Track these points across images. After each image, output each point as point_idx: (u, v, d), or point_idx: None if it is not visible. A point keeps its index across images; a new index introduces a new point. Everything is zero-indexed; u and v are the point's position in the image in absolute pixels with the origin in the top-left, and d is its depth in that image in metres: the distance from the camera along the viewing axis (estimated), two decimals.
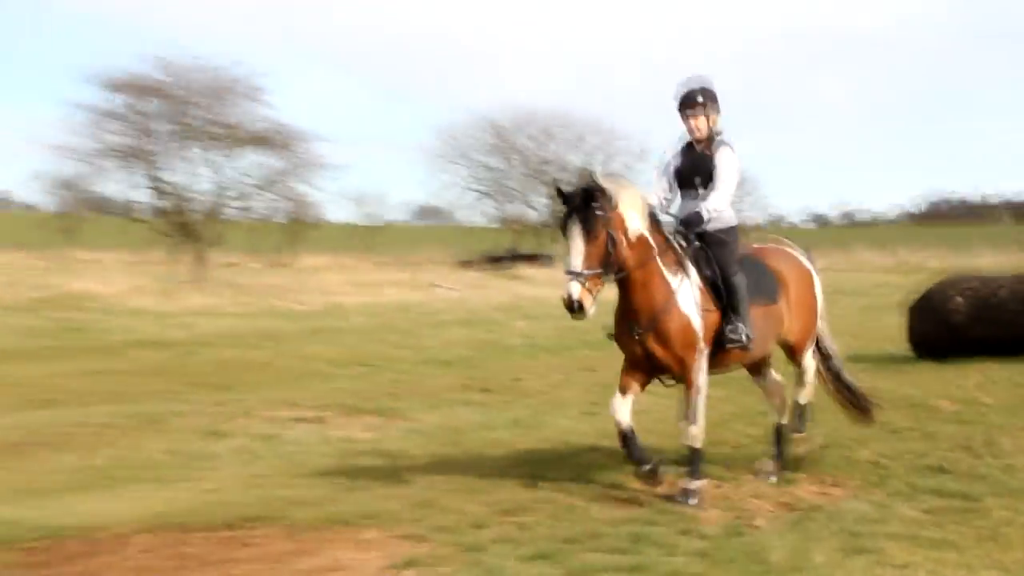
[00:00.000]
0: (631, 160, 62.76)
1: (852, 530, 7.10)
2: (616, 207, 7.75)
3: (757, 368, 9.11)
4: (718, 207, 8.29)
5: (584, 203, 7.65)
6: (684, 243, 8.24)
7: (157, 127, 48.55)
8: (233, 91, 48.61)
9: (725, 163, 8.36)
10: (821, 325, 9.28)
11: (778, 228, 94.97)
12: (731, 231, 8.46)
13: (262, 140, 49.24)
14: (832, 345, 9.43)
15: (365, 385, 16.12)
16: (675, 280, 8.00)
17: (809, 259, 9.16)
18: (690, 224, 8.23)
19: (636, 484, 8.53)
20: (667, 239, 8.13)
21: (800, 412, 9.13)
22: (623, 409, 8.09)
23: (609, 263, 7.70)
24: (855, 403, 9.49)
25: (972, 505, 7.63)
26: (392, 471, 9.57)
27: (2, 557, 7.22)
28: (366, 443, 11.45)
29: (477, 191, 72.92)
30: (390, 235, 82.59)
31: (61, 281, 37.86)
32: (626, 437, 8.07)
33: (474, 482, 8.82)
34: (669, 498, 7.98)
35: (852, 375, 9.58)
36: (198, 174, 49.70)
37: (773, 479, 8.59)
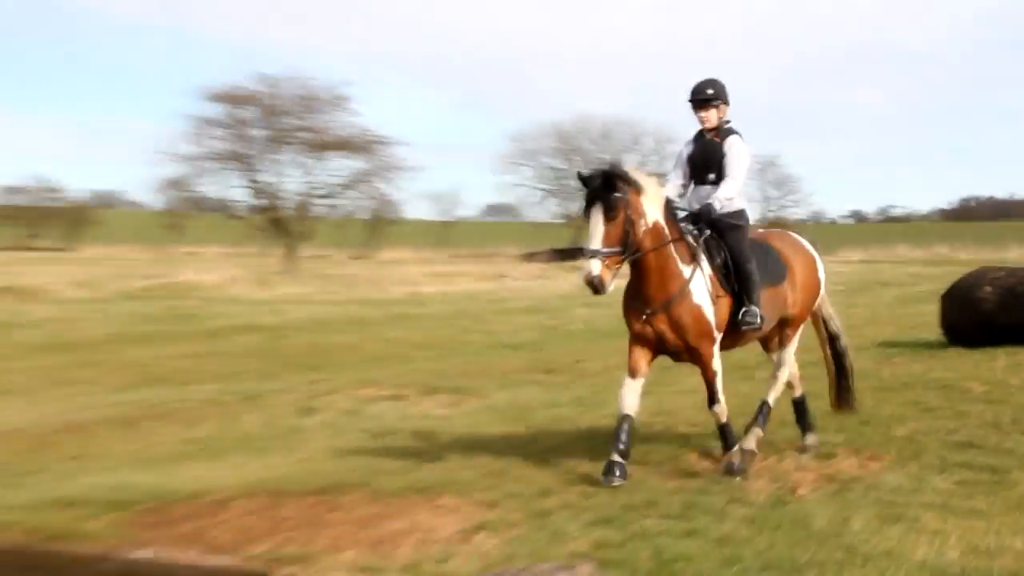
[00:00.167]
0: None
1: (888, 500, 7.02)
2: (634, 191, 7.62)
3: (767, 343, 8.95)
4: (729, 195, 8.13)
5: (604, 186, 7.51)
6: (696, 233, 8.07)
7: (253, 133, 49.17)
8: (321, 100, 49.11)
9: (734, 152, 8.22)
10: (829, 309, 9.11)
11: (819, 224, 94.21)
12: (742, 215, 8.27)
13: (347, 145, 49.72)
14: (838, 327, 9.19)
15: (441, 366, 16.18)
16: (687, 269, 7.82)
17: (814, 247, 8.99)
18: (702, 215, 8.09)
19: (690, 457, 8.50)
20: (680, 230, 7.95)
21: (765, 412, 8.60)
22: (632, 395, 7.89)
23: (627, 243, 7.52)
24: (844, 387, 9.20)
25: (1000, 477, 7.51)
26: (465, 443, 9.60)
27: (118, 518, 7.32)
28: (442, 418, 11.50)
29: (542, 190, 72.93)
30: (463, 231, 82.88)
31: (168, 272, 38.39)
32: (623, 423, 7.85)
33: (541, 454, 8.82)
34: (725, 471, 7.90)
35: (854, 361, 9.31)
36: (289, 175, 50.31)
37: (811, 451, 8.42)
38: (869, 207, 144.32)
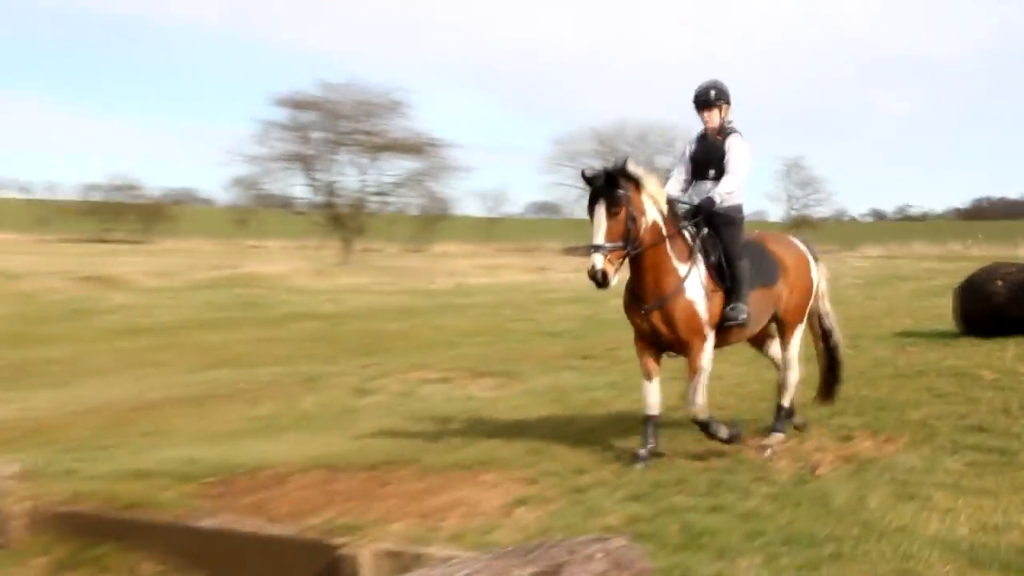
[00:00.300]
0: None
1: (903, 479, 6.95)
2: (635, 188, 7.52)
3: (759, 342, 8.81)
4: (730, 190, 7.99)
5: (607, 184, 7.43)
6: (694, 230, 7.92)
7: (315, 136, 49.52)
8: (379, 105, 49.34)
9: (735, 149, 8.06)
10: (827, 307, 8.89)
11: (841, 222, 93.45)
12: (738, 210, 8.12)
13: (402, 146, 49.94)
14: (833, 324, 8.90)
15: (486, 352, 16.17)
16: (683, 267, 7.68)
17: (809, 248, 8.81)
18: (703, 208, 7.93)
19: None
20: (679, 228, 7.81)
21: (788, 413, 8.48)
22: (652, 395, 7.82)
23: (628, 238, 7.41)
24: (831, 380, 8.98)
25: (1008, 459, 7.42)
26: (508, 424, 9.60)
27: (185, 490, 7.40)
28: (486, 400, 11.50)
29: (583, 189, 72.85)
30: (509, 226, 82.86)
31: (236, 264, 38.67)
32: (648, 424, 7.80)
33: (577, 434, 8.80)
34: (758, 449, 7.81)
35: (844, 357, 9.07)
36: (347, 174, 50.55)
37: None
38: (888, 206, 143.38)
